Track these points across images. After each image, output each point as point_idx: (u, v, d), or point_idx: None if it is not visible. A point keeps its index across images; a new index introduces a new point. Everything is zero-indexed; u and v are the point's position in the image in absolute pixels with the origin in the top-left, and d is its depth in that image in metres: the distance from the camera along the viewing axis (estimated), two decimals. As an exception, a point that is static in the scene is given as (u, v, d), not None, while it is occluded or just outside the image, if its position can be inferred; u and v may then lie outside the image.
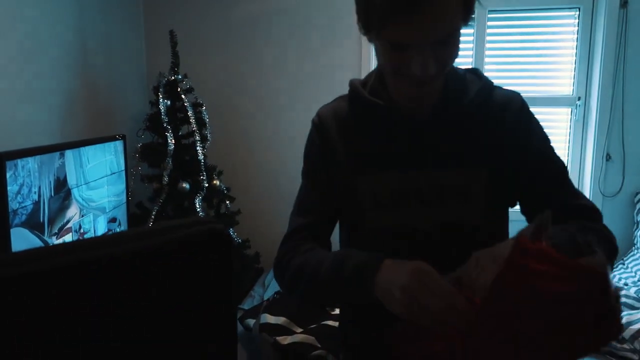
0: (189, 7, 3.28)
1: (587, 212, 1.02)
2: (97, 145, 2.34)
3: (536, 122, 1.07)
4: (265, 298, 2.52)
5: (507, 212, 1.10)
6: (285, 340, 2.01)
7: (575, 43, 3.00)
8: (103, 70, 2.93)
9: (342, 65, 3.11)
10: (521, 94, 1.08)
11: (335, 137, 1.07)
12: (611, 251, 0.97)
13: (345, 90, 1.12)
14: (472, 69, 1.09)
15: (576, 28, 2.99)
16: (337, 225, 1.16)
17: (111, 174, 2.47)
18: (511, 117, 1.03)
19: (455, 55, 0.93)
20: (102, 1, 2.92)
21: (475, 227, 1.00)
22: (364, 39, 1.04)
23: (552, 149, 1.07)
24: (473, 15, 0.93)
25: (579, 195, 1.05)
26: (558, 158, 1.06)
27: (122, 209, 2.61)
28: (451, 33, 0.88)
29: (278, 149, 3.28)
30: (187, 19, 3.26)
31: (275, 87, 3.26)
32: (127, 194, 2.66)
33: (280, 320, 2.14)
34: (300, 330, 2.10)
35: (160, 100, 2.78)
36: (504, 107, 1.04)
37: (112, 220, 2.51)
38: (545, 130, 1.07)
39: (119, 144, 2.56)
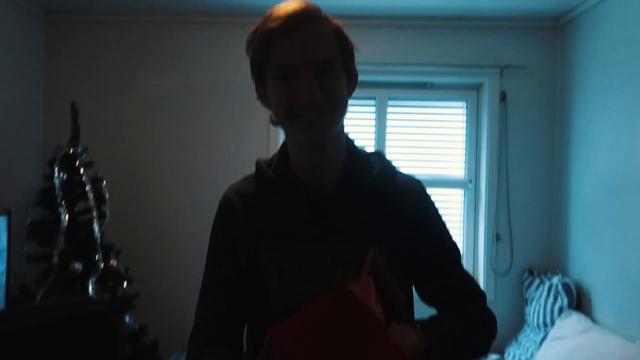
0: (93, 79, 3.21)
1: (473, 295, 1.10)
2: (-23, 222, 2.13)
3: (435, 210, 1.12)
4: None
5: (407, 290, 1.11)
6: None
7: (464, 131, 3.30)
8: (-8, 140, 2.74)
9: (252, 144, 3.16)
10: (421, 181, 1.13)
11: (241, 216, 1.07)
12: (484, 335, 1.07)
13: (252, 169, 1.14)
14: (376, 152, 1.15)
15: (464, 117, 3.30)
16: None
17: (-9, 254, 2.24)
18: (412, 203, 1.08)
19: (341, 93, 0.99)
20: (-4, 70, 2.79)
21: None
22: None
23: (448, 236, 1.12)
24: (354, 63, 1.04)
25: (467, 279, 1.12)
26: (453, 244, 1.12)
27: (0, 292, 2.34)
28: (329, 59, 0.96)
29: (182, 227, 3.17)
30: (91, 91, 3.18)
31: (181, 164, 3.22)
32: (7, 275, 2.41)
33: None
34: None
35: (56, 174, 2.62)
36: (406, 193, 1.09)
37: (-13, 306, 2.24)
38: (440, 210, 1.14)
39: (1, 220, 2.35)
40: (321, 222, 1.03)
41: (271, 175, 1.07)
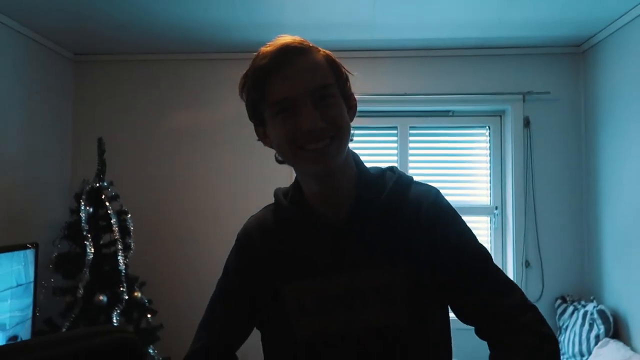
0: (120, 116, 3.30)
1: (513, 313, 0.97)
2: (4, 254, 2.16)
3: (451, 215, 1.04)
4: None
5: (437, 311, 1.04)
6: None
7: (488, 157, 3.26)
8: (22, 174, 2.81)
9: (278, 176, 3.17)
10: (434, 188, 1.07)
11: (259, 248, 1.07)
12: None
13: (271, 199, 1.14)
14: (390, 167, 1.11)
15: (488, 144, 3.27)
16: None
17: (17, 286, 2.25)
18: (425, 215, 1.02)
19: (342, 117, 0.97)
20: (30, 108, 2.88)
21: (401, 328, 0.98)
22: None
23: (468, 241, 1.03)
24: (349, 85, 1.03)
25: (501, 290, 1.00)
26: (477, 249, 1.02)
27: (26, 325, 2.35)
28: (326, 85, 0.95)
29: (205, 260, 3.17)
30: (117, 128, 3.27)
31: (205, 197, 3.24)
32: (34, 308, 2.42)
33: None
34: None
35: (82, 208, 2.66)
36: (418, 205, 1.02)
37: (13, 338, 2.24)
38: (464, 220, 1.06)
39: (29, 253, 2.38)
40: (337, 250, 1.01)
41: (287, 205, 1.07)
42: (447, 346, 1.06)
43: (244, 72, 1.01)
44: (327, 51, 1.01)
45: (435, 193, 1.06)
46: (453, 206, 1.06)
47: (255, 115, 1.02)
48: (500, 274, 1.03)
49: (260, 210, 1.15)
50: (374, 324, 0.98)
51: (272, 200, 1.13)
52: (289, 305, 1.01)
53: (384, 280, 0.98)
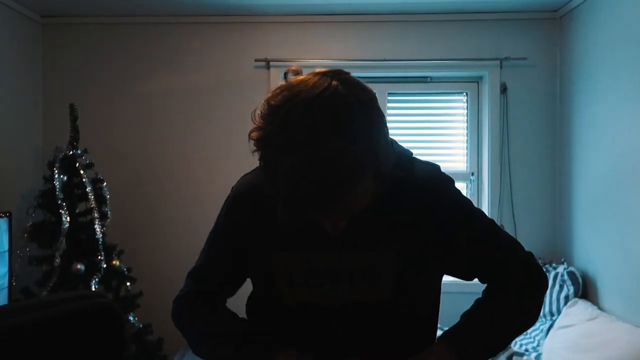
0: (92, 81, 3.21)
1: (517, 266, 1.05)
2: (-23, 224, 2.12)
3: (455, 194, 1.06)
4: (168, 388, 2.31)
5: (426, 286, 1.07)
6: None
7: (466, 124, 3.29)
8: (-9, 143, 2.73)
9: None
10: (440, 169, 1.07)
11: (250, 213, 1.04)
12: (526, 307, 1.05)
13: (252, 158, 1.10)
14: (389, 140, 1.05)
15: (465, 111, 3.29)
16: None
17: (-8, 256, 2.23)
18: (439, 207, 1.01)
19: (358, 206, 0.90)
20: (-5, 72, 2.78)
21: (386, 303, 1.01)
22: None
23: (478, 217, 1.07)
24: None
25: (506, 248, 1.06)
26: (486, 221, 1.07)
27: (2, 294, 2.33)
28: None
29: (183, 225, 3.16)
30: (90, 93, 3.18)
31: (181, 163, 3.21)
32: (10, 277, 2.40)
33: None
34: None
35: (56, 176, 2.61)
36: (430, 191, 1.02)
37: (-9, 308, 2.22)
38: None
39: (2, 222, 2.34)
40: (334, 227, 0.97)
41: None
42: (432, 318, 1.10)
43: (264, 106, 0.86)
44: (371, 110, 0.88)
45: (438, 171, 1.07)
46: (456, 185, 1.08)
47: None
48: (500, 236, 1.08)
49: (253, 171, 1.08)
50: (359, 299, 1.00)
51: (250, 164, 1.10)
52: (277, 274, 1.02)
53: (376, 261, 1.00)
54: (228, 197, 1.10)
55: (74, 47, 3.23)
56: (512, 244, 1.08)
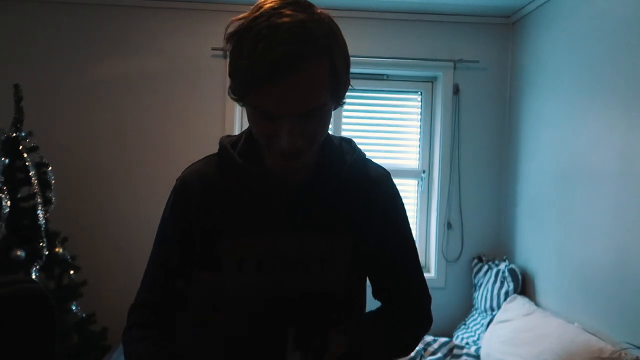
0: (38, 63, 3.08)
1: (419, 297, 1.15)
2: None
3: (402, 205, 1.12)
4: (110, 379, 2.27)
5: (364, 279, 1.13)
6: None
7: (419, 122, 3.36)
8: None
9: (204, 124, 3.10)
10: (389, 172, 1.12)
11: (199, 202, 1.02)
12: (413, 338, 1.13)
13: (204, 147, 1.10)
14: (346, 138, 1.10)
15: (419, 110, 3.36)
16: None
17: None
18: (382, 196, 1.07)
19: (324, 131, 0.94)
20: None
21: (337, 293, 1.03)
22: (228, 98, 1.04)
23: (410, 233, 1.14)
24: (344, 100, 0.95)
25: (420, 282, 1.15)
26: (413, 243, 1.15)
27: None
28: (317, 108, 0.86)
29: (130, 214, 3.10)
30: (35, 74, 3.05)
31: (129, 148, 3.14)
32: (-56, 263, 2.29)
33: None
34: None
35: (-3, 159, 2.50)
36: (377, 184, 1.07)
37: None
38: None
39: (-62, 205, 2.22)
40: (289, 213, 0.99)
41: (239, 162, 0.99)
42: (364, 307, 1.16)
43: (238, 26, 0.86)
44: (336, 32, 0.92)
45: (390, 177, 1.12)
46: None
47: (235, 89, 0.90)
48: (419, 265, 1.16)
49: (201, 161, 1.07)
50: (309, 288, 1.01)
51: (200, 147, 1.09)
52: (225, 262, 1.00)
53: (329, 247, 1.01)
54: (174, 186, 1.07)
55: (18, 24, 3.08)
56: (421, 273, 1.16)
